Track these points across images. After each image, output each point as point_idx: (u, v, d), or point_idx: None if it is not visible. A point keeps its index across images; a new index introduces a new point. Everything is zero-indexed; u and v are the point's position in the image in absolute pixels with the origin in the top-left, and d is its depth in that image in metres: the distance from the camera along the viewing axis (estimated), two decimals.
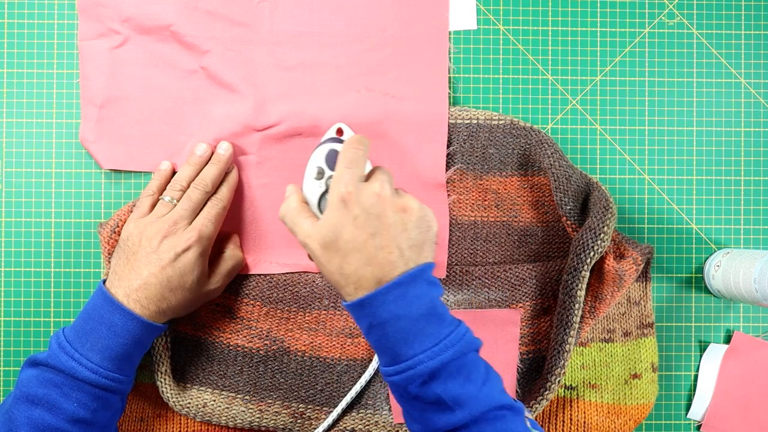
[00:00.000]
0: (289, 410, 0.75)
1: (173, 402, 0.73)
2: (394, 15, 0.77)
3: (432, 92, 0.77)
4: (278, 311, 0.76)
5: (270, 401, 0.75)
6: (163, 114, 0.77)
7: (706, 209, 0.80)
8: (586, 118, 0.80)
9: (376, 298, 0.60)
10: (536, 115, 0.79)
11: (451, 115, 0.77)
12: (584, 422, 0.77)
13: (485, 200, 0.78)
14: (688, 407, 0.80)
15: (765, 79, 0.80)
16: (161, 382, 0.73)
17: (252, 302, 0.76)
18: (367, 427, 0.74)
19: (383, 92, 0.77)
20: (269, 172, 0.76)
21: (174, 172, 0.75)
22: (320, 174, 0.68)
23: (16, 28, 0.78)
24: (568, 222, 0.75)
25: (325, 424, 0.74)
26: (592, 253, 0.72)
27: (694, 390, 0.79)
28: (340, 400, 0.75)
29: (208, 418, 0.74)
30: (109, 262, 0.73)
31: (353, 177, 0.62)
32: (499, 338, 0.76)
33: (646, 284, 0.78)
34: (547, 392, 0.72)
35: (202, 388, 0.75)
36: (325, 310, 0.76)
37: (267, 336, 0.76)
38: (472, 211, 0.78)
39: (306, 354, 0.76)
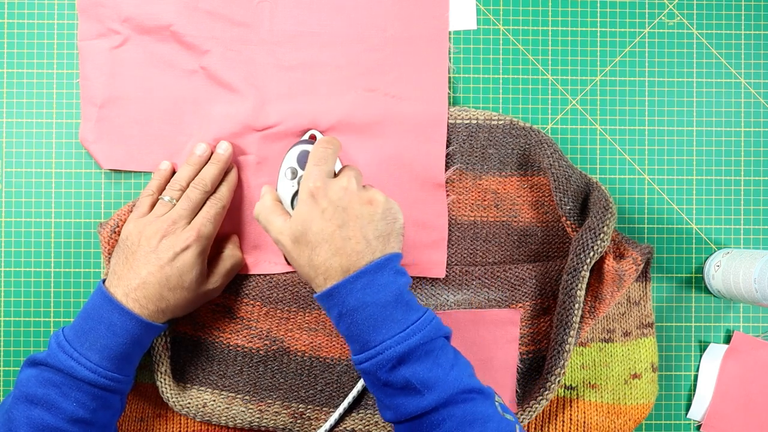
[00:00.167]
0: (288, 410, 0.75)
1: (173, 402, 0.73)
2: (394, 15, 0.77)
3: (432, 92, 0.77)
4: (278, 311, 0.76)
5: (270, 401, 0.75)
6: (163, 114, 0.77)
7: (706, 209, 0.80)
8: (586, 118, 0.80)
9: (344, 287, 0.62)
10: (536, 115, 0.79)
11: (451, 115, 0.77)
12: (584, 422, 0.77)
13: (485, 200, 0.78)
14: (688, 407, 0.80)
15: (765, 79, 0.80)
16: (161, 382, 0.73)
17: (252, 302, 0.76)
18: (367, 428, 0.74)
19: (383, 92, 0.77)
20: (269, 172, 0.76)
21: (174, 172, 0.75)
22: (293, 174, 0.71)
23: (16, 28, 0.78)
24: (568, 222, 0.75)
25: (326, 425, 0.74)
26: (591, 253, 0.72)
27: (694, 390, 0.79)
28: (340, 401, 0.75)
29: (207, 418, 0.74)
30: (109, 261, 0.73)
31: (321, 173, 0.65)
32: (499, 338, 0.76)
33: (646, 284, 0.78)
34: (547, 392, 0.72)
35: (202, 388, 0.75)
36: None
37: (267, 336, 0.76)
38: (471, 211, 0.78)
39: (306, 354, 0.76)
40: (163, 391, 0.73)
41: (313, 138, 0.75)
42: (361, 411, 0.75)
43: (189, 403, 0.74)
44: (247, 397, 0.75)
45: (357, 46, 0.77)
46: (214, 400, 0.74)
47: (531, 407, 0.73)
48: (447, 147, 0.77)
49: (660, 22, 0.80)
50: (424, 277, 0.77)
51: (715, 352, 0.79)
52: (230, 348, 0.76)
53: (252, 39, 0.77)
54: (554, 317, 0.73)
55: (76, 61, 0.78)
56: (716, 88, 0.80)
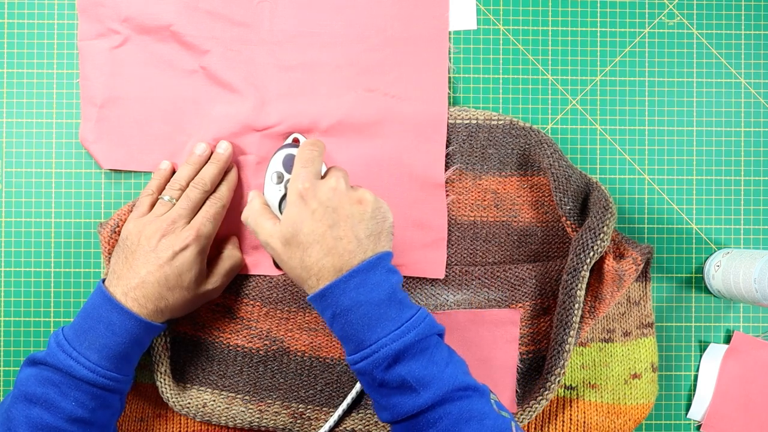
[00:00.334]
0: (288, 410, 0.75)
1: (173, 402, 0.73)
2: (394, 15, 0.77)
3: (432, 92, 0.77)
4: (278, 311, 0.76)
5: (270, 401, 0.75)
6: (163, 114, 0.77)
7: (706, 209, 0.80)
8: (586, 118, 0.80)
9: (338, 287, 0.62)
10: (536, 115, 0.79)
11: (451, 115, 0.77)
12: (584, 422, 0.76)
13: (484, 200, 0.78)
14: (688, 407, 0.80)
15: (765, 79, 0.80)
16: (161, 382, 0.73)
17: (252, 302, 0.76)
18: (367, 428, 0.74)
19: (383, 92, 0.77)
20: None
21: (174, 172, 0.75)
22: (280, 178, 0.71)
23: (16, 28, 0.78)
24: (568, 222, 0.75)
25: (327, 425, 0.74)
26: (591, 253, 0.72)
27: (694, 390, 0.79)
28: (340, 401, 0.75)
29: (207, 418, 0.74)
30: (109, 261, 0.73)
31: (309, 174, 0.65)
32: (499, 338, 0.76)
33: (646, 284, 0.78)
34: (546, 392, 0.72)
35: (202, 388, 0.75)
36: None
37: (267, 336, 0.76)
38: (471, 211, 0.78)
39: (306, 354, 0.76)
40: (162, 391, 0.73)
41: (296, 141, 0.75)
42: (361, 411, 0.75)
43: (189, 403, 0.74)
44: (247, 397, 0.75)
45: (357, 46, 0.77)
46: (214, 400, 0.74)
47: (531, 407, 0.73)
48: (447, 147, 0.77)
49: (660, 22, 0.80)
50: (423, 277, 0.77)
51: (715, 352, 0.79)
52: (230, 348, 0.76)
53: (252, 39, 0.77)
54: (554, 317, 0.73)
55: (76, 61, 0.78)
56: (716, 88, 0.80)
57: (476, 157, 0.78)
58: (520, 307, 0.76)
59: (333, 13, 0.77)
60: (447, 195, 0.77)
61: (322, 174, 0.68)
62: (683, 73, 0.80)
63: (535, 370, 0.76)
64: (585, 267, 0.72)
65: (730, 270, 0.74)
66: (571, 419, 0.77)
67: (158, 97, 0.77)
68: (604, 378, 0.77)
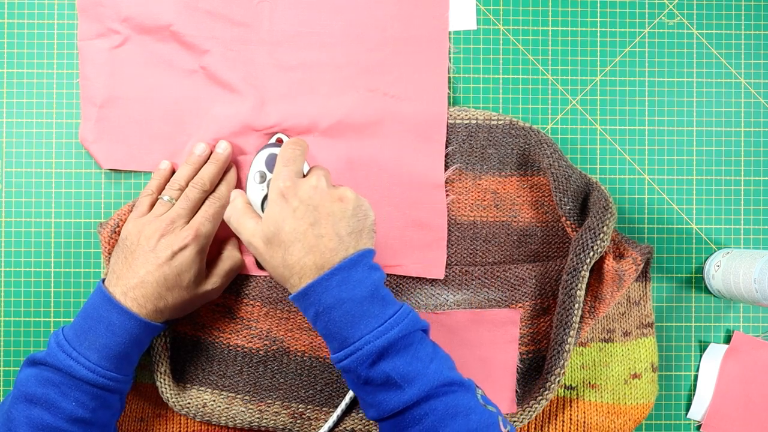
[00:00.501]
0: (288, 410, 0.75)
1: (173, 402, 0.73)
2: (394, 15, 0.77)
3: (431, 92, 0.77)
4: (278, 311, 0.76)
5: (270, 401, 0.75)
6: (163, 114, 0.77)
7: (706, 209, 0.80)
8: (586, 118, 0.80)
9: (320, 285, 0.62)
10: (536, 115, 0.79)
11: (450, 115, 0.77)
12: (584, 422, 0.76)
13: (484, 200, 0.78)
14: (688, 407, 0.80)
15: (765, 79, 0.80)
16: (161, 382, 0.73)
17: (252, 302, 0.76)
18: (367, 428, 0.74)
19: (383, 92, 0.77)
20: None
21: (173, 172, 0.75)
22: (262, 178, 0.72)
23: (16, 28, 0.78)
24: (568, 222, 0.75)
25: (326, 425, 0.74)
26: (591, 253, 0.72)
27: (694, 390, 0.79)
28: (340, 400, 0.75)
29: (207, 418, 0.74)
30: (109, 261, 0.73)
31: (291, 173, 0.65)
32: (499, 338, 0.76)
33: (645, 284, 0.78)
34: (546, 392, 0.72)
35: (202, 388, 0.75)
36: None
37: (267, 336, 0.76)
38: (471, 211, 0.78)
39: (306, 354, 0.76)
40: (162, 392, 0.73)
41: (280, 141, 0.75)
42: (361, 411, 0.75)
43: (189, 403, 0.74)
44: (247, 397, 0.75)
45: (357, 46, 0.77)
46: (214, 400, 0.74)
47: (531, 407, 0.73)
48: (446, 147, 0.77)
49: (660, 22, 0.80)
50: (423, 277, 0.77)
51: (715, 352, 0.79)
52: (230, 348, 0.76)
53: (252, 39, 0.77)
54: (554, 317, 0.73)
55: (76, 61, 0.78)
56: (716, 88, 0.80)
57: (476, 157, 0.78)
58: (520, 307, 0.76)
59: (333, 13, 0.77)
60: (447, 195, 0.77)
61: (305, 173, 0.68)
62: (683, 73, 0.80)
63: (535, 370, 0.76)
64: (585, 267, 0.72)
65: (730, 270, 0.74)
66: (571, 419, 0.77)
67: (158, 97, 0.77)
68: (604, 378, 0.77)
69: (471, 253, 0.78)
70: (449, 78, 0.79)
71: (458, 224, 0.78)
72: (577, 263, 0.72)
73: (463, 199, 0.78)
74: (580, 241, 0.72)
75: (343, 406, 0.74)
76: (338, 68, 0.77)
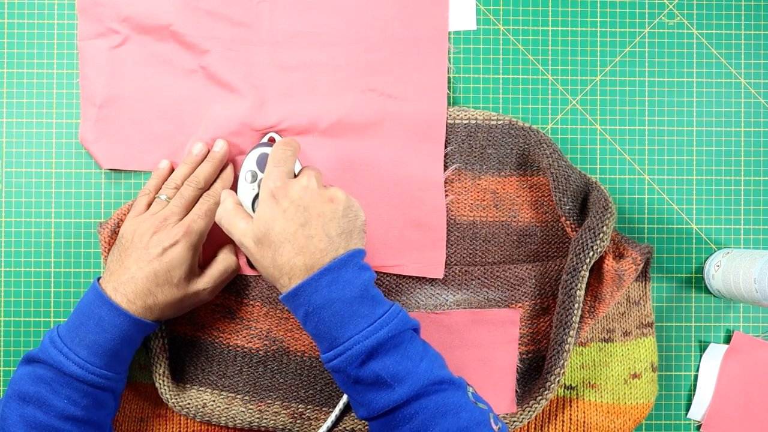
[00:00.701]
0: (288, 410, 0.75)
1: (172, 402, 0.73)
2: (394, 15, 0.77)
3: (431, 92, 0.77)
4: (278, 311, 0.76)
5: (269, 401, 0.75)
6: (163, 114, 0.77)
7: (706, 209, 0.80)
8: (586, 118, 0.80)
9: (310, 285, 0.62)
10: (536, 115, 0.79)
11: (450, 115, 0.77)
12: (584, 422, 0.76)
13: (484, 200, 0.78)
14: (688, 407, 0.80)
15: (765, 79, 0.80)
16: (160, 383, 0.73)
17: (251, 302, 0.76)
18: (367, 428, 0.74)
19: (383, 92, 0.77)
20: None
21: (172, 172, 0.75)
22: (253, 177, 0.72)
23: (16, 28, 0.78)
24: (568, 222, 0.75)
25: (326, 425, 0.74)
26: (591, 253, 0.72)
27: (694, 390, 0.79)
28: (340, 401, 0.75)
29: (207, 419, 0.74)
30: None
31: (281, 173, 0.65)
32: (499, 338, 0.76)
33: (645, 284, 0.78)
34: (546, 392, 0.72)
35: (202, 389, 0.75)
36: None
37: (266, 336, 0.76)
38: (470, 211, 0.78)
39: (305, 354, 0.76)
40: (162, 392, 0.73)
41: (272, 141, 0.76)
42: None
43: (188, 403, 0.74)
44: (246, 398, 0.75)
45: (356, 46, 0.77)
46: (214, 401, 0.75)
47: (531, 407, 0.73)
48: (446, 147, 0.77)
49: (660, 22, 0.80)
50: (423, 277, 0.77)
51: (715, 352, 0.79)
52: (230, 348, 0.76)
53: (252, 39, 0.77)
54: (554, 317, 0.73)
55: (76, 61, 0.78)
56: (716, 88, 0.80)
57: (475, 157, 0.78)
58: (520, 307, 0.76)
59: (333, 13, 0.77)
60: (446, 195, 0.77)
61: (296, 173, 0.68)
62: (683, 73, 0.80)
63: (534, 370, 0.76)
64: (584, 267, 0.72)
65: (730, 270, 0.74)
66: (570, 419, 0.77)
67: (158, 97, 0.77)
68: (603, 378, 0.77)
69: (470, 253, 0.78)
70: (449, 78, 0.79)
71: (458, 224, 0.78)
72: (577, 263, 0.72)
73: (463, 199, 0.78)
74: (580, 241, 0.72)
75: (341, 405, 0.74)
76: (338, 68, 0.77)
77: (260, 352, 0.76)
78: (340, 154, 0.77)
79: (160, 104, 0.77)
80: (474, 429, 0.59)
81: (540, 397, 0.72)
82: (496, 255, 0.78)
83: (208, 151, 0.75)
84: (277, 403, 0.75)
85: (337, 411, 0.74)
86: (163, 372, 0.73)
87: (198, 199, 0.72)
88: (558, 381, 0.72)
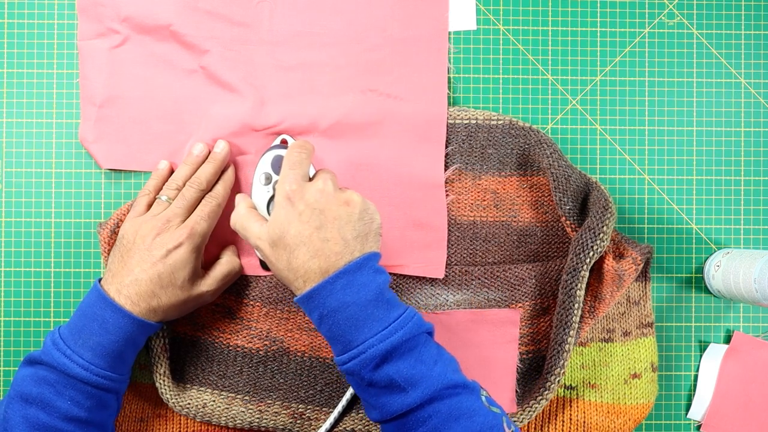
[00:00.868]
0: (288, 410, 0.75)
1: (173, 403, 0.73)
2: (394, 15, 0.77)
3: (431, 92, 0.77)
4: (278, 311, 0.76)
5: (270, 401, 0.75)
6: (163, 114, 0.77)
7: (706, 209, 0.80)
8: (586, 118, 0.80)
9: (325, 288, 0.62)
10: (536, 115, 0.79)
11: (450, 115, 0.77)
12: (584, 422, 0.76)
13: (484, 200, 0.78)
14: (688, 407, 0.80)
15: (765, 79, 0.80)
16: (160, 383, 0.73)
17: (252, 302, 0.76)
18: (367, 428, 0.74)
19: (383, 92, 0.77)
20: None
21: (172, 172, 0.75)
22: (268, 180, 0.72)
23: (16, 28, 0.78)
24: (568, 222, 0.75)
25: (326, 425, 0.74)
26: (591, 253, 0.72)
27: (694, 390, 0.79)
28: (340, 401, 0.75)
29: (207, 419, 0.74)
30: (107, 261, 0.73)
31: (297, 176, 0.66)
32: (499, 338, 0.76)
33: (645, 284, 0.78)
34: (546, 392, 0.72)
35: (202, 389, 0.75)
36: None
37: (267, 336, 0.76)
38: (470, 211, 0.78)
39: (306, 354, 0.76)
40: (162, 392, 0.73)
41: (285, 143, 0.75)
42: (361, 411, 0.75)
43: (189, 403, 0.74)
44: (246, 398, 0.75)
45: (357, 46, 0.77)
46: (214, 401, 0.74)
47: (531, 407, 0.73)
48: (446, 147, 0.77)
49: (660, 22, 0.80)
50: (423, 277, 0.77)
51: (715, 352, 0.79)
52: (230, 348, 0.76)
53: (251, 39, 0.77)
54: (554, 317, 0.73)
55: (76, 61, 0.78)
56: (716, 88, 0.80)
57: (476, 157, 0.78)
58: (520, 307, 0.76)
59: (333, 13, 0.77)
60: (447, 195, 0.77)
61: (311, 176, 0.68)
62: (683, 73, 0.80)
63: (535, 370, 0.76)
64: (585, 267, 0.72)
65: (730, 270, 0.74)
66: (571, 419, 0.77)
67: (158, 97, 0.77)
68: (603, 378, 0.77)
69: (471, 253, 0.78)
70: (449, 78, 0.79)
71: (458, 224, 0.78)
72: (577, 263, 0.72)
73: (463, 199, 0.78)
74: (580, 241, 0.72)
75: (340, 406, 0.74)
76: (338, 68, 0.77)
77: (260, 353, 0.76)
78: (340, 154, 0.77)
79: (160, 104, 0.77)
80: None
81: (540, 397, 0.72)
82: (497, 255, 0.78)
83: (209, 152, 0.75)
84: (277, 403, 0.75)
85: (337, 411, 0.74)
86: (164, 372, 0.73)
87: (200, 201, 0.72)
88: (558, 381, 0.72)
